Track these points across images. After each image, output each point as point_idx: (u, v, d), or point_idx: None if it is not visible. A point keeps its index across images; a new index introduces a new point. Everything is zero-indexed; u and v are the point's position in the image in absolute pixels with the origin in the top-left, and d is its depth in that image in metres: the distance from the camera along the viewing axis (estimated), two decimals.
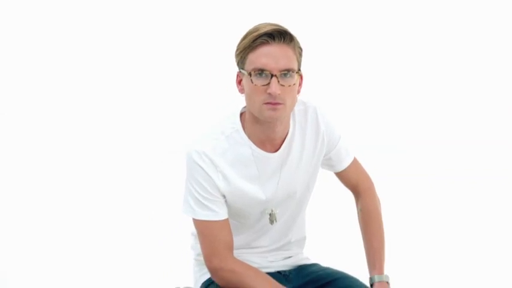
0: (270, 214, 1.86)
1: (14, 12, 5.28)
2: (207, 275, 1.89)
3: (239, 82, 1.74)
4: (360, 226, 1.96)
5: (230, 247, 1.81)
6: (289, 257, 1.95)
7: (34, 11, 5.27)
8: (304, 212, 1.96)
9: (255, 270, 1.82)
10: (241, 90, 1.74)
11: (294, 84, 1.69)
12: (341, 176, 1.96)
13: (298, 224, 1.94)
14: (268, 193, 1.82)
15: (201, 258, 1.87)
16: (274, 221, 1.86)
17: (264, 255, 1.92)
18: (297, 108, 1.82)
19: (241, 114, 1.81)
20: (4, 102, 5.29)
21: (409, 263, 3.13)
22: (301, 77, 1.74)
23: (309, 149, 1.83)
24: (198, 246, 1.88)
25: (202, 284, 1.92)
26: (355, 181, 1.96)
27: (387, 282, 1.88)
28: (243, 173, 1.79)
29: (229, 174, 1.78)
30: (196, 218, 1.80)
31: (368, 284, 1.89)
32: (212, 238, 1.79)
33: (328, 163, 1.92)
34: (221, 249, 1.80)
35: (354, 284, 1.87)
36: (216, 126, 1.80)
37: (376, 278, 1.88)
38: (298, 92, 1.75)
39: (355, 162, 1.96)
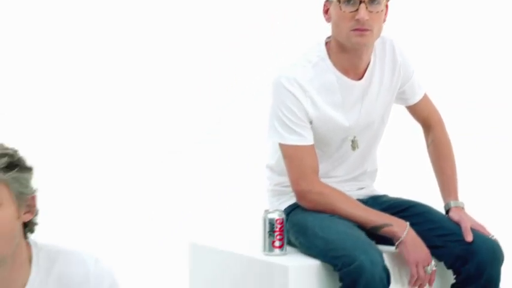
0: (352, 141, 1.95)
1: (10, 12, 5.28)
2: (287, 202, 1.97)
3: (326, 11, 1.82)
4: (431, 158, 2.06)
5: (317, 171, 1.89)
6: (362, 188, 2.05)
7: (33, 11, 5.27)
8: (378, 145, 2.07)
9: (343, 193, 1.93)
10: (328, 19, 1.83)
11: (382, 10, 1.78)
12: (413, 109, 2.06)
13: (372, 155, 2.06)
14: (351, 120, 1.91)
15: (278, 188, 2.00)
16: (356, 148, 1.96)
17: (341, 185, 1.97)
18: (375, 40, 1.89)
19: (326, 43, 1.89)
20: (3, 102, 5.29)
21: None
22: (386, 6, 1.82)
23: (387, 80, 1.92)
24: (275, 176, 2.00)
25: (285, 210, 1.96)
26: (426, 114, 2.07)
27: (462, 208, 1.94)
28: (328, 99, 1.87)
29: (317, 100, 1.85)
30: (284, 142, 1.87)
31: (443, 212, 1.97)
32: (300, 162, 1.86)
33: (402, 96, 2.02)
34: (309, 172, 1.87)
35: (431, 209, 1.95)
36: (303, 55, 1.89)
37: (452, 204, 1.95)
38: (384, 20, 1.83)
39: (426, 96, 2.05)
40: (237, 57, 4.50)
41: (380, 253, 1.82)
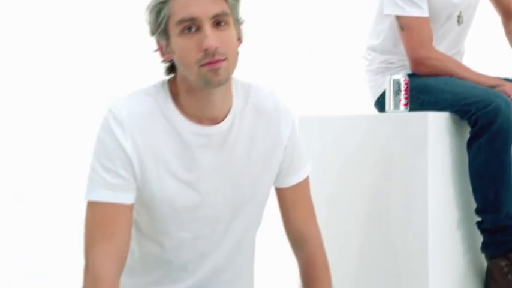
0: (458, 16, 2.17)
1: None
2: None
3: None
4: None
5: (432, 40, 2.09)
6: None
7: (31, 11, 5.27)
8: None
9: (457, 60, 2.17)
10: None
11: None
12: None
13: (467, 35, 2.38)
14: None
15: (383, 65, 2.24)
16: (461, 22, 2.18)
17: None
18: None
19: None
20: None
21: None
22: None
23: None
24: (378, 55, 2.23)
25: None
26: (507, 3, 2.32)
27: None
28: None
29: None
30: (406, 14, 2.06)
31: None
32: (420, 32, 2.07)
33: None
34: (427, 41, 2.09)
35: None
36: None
37: None
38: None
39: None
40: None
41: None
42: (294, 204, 1.57)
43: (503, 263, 2.01)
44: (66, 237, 3.60)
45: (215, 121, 1.44)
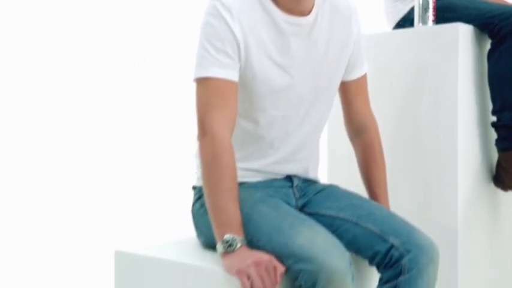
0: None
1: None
2: None
3: None
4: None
5: None
6: None
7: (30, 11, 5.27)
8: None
9: None
10: None
11: None
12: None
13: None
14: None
15: None
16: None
17: None
18: None
19: None
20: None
21: None
22: None
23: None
24: None
25: None
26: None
27: None
28: None
29: None
30: None
31: None
32: None
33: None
34: None
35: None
36: None
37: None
38: None
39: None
40: None
41: None
42: (356, 95, 1.82)
43: None
44: (66, 237, 3.61)
45: (303, 13, 1.63)
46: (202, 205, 1.64)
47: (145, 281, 1.63)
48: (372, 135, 1.83)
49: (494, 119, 2.27)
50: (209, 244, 1.65)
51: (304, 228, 1.45)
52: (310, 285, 1.38)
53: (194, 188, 1.76)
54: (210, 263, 1.53)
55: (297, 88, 1.65)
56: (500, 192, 2.36)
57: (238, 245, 1.45)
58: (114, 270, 1.71)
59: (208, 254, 1.63)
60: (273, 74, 1.62)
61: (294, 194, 1.73)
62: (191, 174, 1.83)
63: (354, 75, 1.80)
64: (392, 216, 1.58)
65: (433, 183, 2.21)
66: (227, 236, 1.45)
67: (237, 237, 1.45)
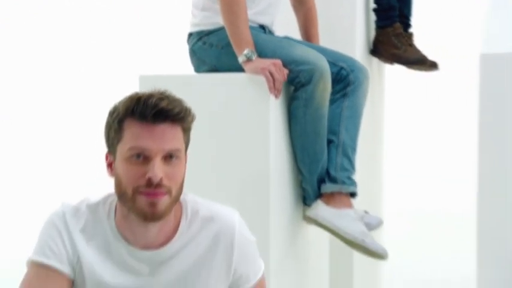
0: None
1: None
2: None
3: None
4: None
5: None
6: None
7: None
8: None
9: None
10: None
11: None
12: None
13: None
14: None
15: None
16: None
17: None
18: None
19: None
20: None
21: None
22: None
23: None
24: None
25: None
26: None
27: None
28: None
29: None
30: None
31: None
32: None
33: None
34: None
35: None
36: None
37: None
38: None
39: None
40: None
41: None
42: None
43: (390, 30, 2.72)
44: None
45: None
46: (205, 42, 2.16)
47: None
48: (310, 5, 2.35)
49: (374, 5, 2.72)
50: (212, 69, 2.19)
51: (299, 45, 2.16)
52: (308, 80, 2.05)
53: (191, 34, 2.22)
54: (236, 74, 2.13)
55: None
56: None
57: (254, 56, 2.03)
58: None
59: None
60: None
61: None
62: None
63: None
64: (334, 51, 2.23)
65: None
66: (247, 51, 2.02)
67: (253, 51, 2.03)
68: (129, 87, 1.61)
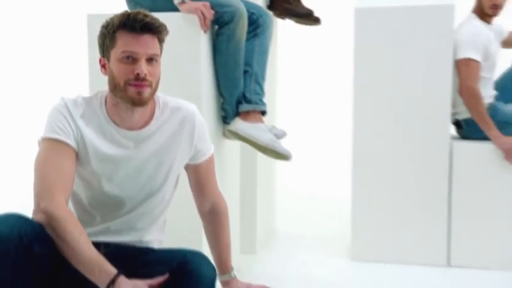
0: None
1: None
2: None
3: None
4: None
5: None
6: None
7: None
8: None
9: None
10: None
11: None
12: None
13: None
14: None
15: None
16: None
17: None
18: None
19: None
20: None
21: None
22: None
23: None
24: None
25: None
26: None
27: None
28: None
29: None
30: None
31: None
32: None
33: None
34: None
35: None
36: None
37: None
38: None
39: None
40: None
41: None
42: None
43: None
44: None
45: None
46: None
47: None
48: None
49: None
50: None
51: None
52: (230, 19, 2.50)
53: None
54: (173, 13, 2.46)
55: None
56: None
57: None
58: None
59: None
60: None
61: None
62: None
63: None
64: (246, 0, 2.67)
65: None
66: None
67: None
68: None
